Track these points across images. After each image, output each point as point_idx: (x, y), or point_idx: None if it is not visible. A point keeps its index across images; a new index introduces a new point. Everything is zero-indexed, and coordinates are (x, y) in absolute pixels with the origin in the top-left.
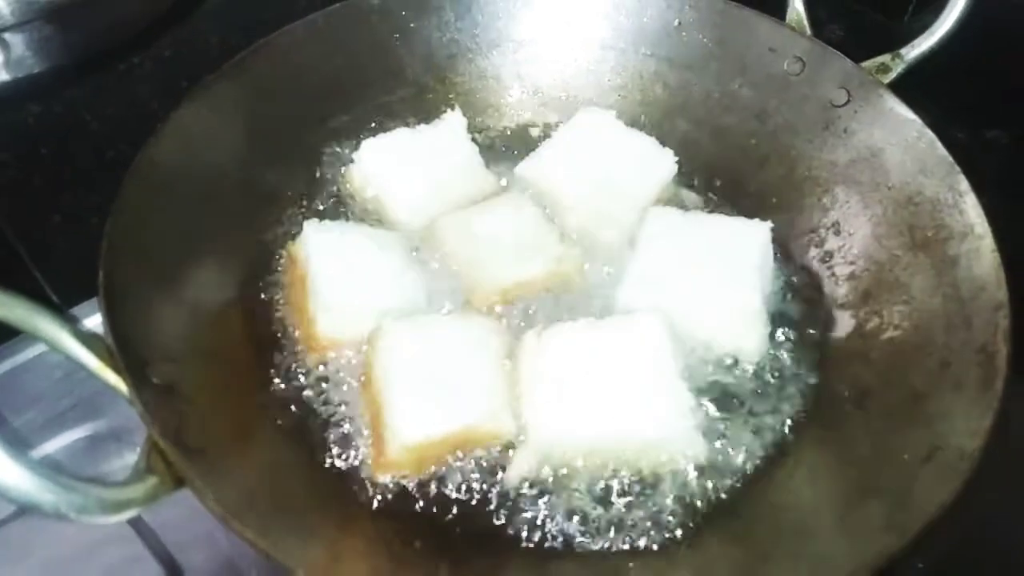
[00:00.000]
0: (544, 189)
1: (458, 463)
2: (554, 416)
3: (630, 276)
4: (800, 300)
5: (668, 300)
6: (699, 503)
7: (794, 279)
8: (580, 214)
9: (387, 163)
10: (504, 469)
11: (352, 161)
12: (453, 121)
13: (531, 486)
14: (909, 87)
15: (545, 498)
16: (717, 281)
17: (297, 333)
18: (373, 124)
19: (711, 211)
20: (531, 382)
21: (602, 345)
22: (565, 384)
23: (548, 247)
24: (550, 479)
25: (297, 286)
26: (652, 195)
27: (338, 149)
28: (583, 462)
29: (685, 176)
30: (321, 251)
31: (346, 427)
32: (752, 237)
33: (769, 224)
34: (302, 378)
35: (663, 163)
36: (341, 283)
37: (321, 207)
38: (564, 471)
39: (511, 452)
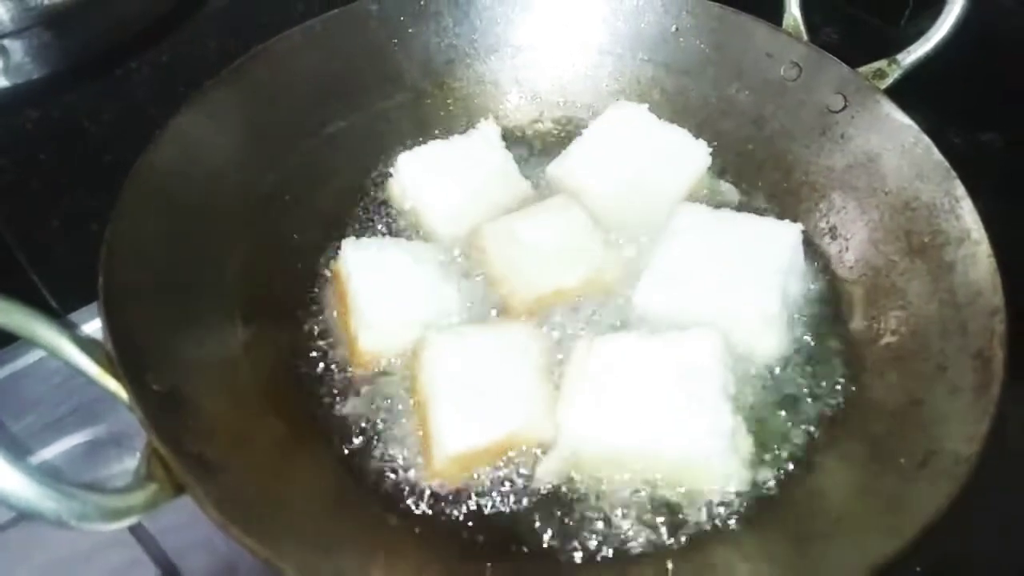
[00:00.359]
0: (577, 187)
1: (493, 471)
2: (587, 422)
3: (649, 274)
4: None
5: (686, 300)
6: (701, 510)
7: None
8: (614, 210)
9: (423, 174)
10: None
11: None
12: (487, 130)
13: (562, 492)
14: (904, 91)
15: (573, 505)
16: (737, 281)
17: (315, 348)
18: (371, 130)
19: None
20: (572, 388)
21: (651, 358)
22: (604, 392)
23: (590, 254)
24: (581, 486)
25: (341, 303)
26: (687, 187)
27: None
28: (613, 471)
29: None
30: (360, 268)
31: (355, 434)
32: (780, 238)
33: (800, 226)
34: (309, 385)
35: (697, 155)
36: (381, 299)
37: (325, 212)
38: (594, 478)
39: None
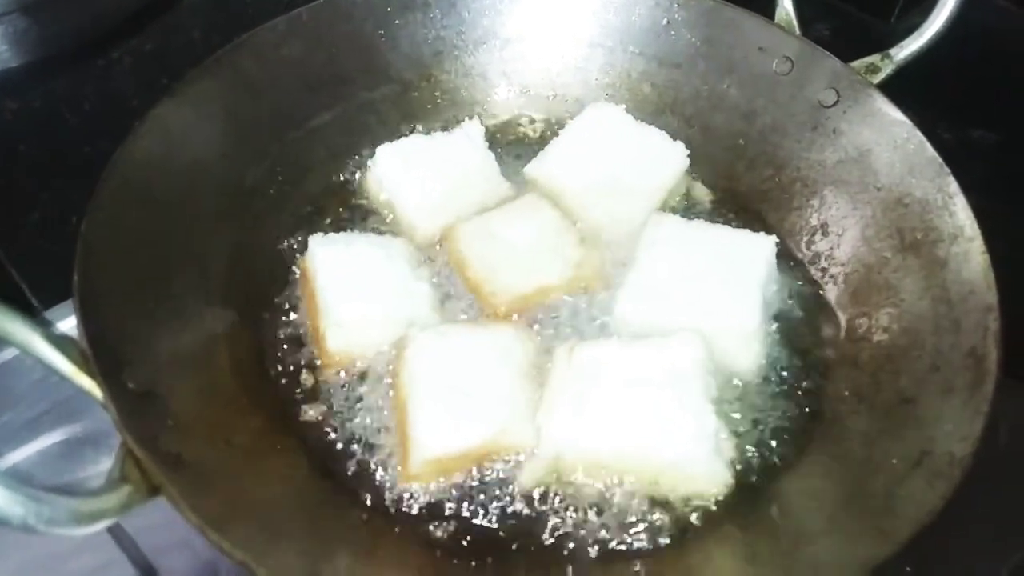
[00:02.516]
0: (554, 188)
1: (473, 474)
2: (568, 427)
3: (627, 287)
4: (787, 302)
5: (665, 313)
6: (689, 509)
7: (782, 281)
8: (592, 212)
9: (401, 168)
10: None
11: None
12: (470, 128)
13: (543, 495)
14: (895, 87)
15: (555, 507)
16: (716, 297)
17: (295, 346)
18: (357, 122)
19: (714, 207)
20: (554, 393)
21: (633, 363)
22: (585, 397)
23: (567, 252)
24: (563, 489)
25: (309, 301)
26: (664, 189)
27: (322, 150)
28: (595, 475)
29: None
30: (327, 266)
31: (333, 434)
32: (755, 252)
33: (774, 238)
34: (287, 384)
35: (674, 156)
36: (349, 297)
37: (307, 207)
38: (576, 481)
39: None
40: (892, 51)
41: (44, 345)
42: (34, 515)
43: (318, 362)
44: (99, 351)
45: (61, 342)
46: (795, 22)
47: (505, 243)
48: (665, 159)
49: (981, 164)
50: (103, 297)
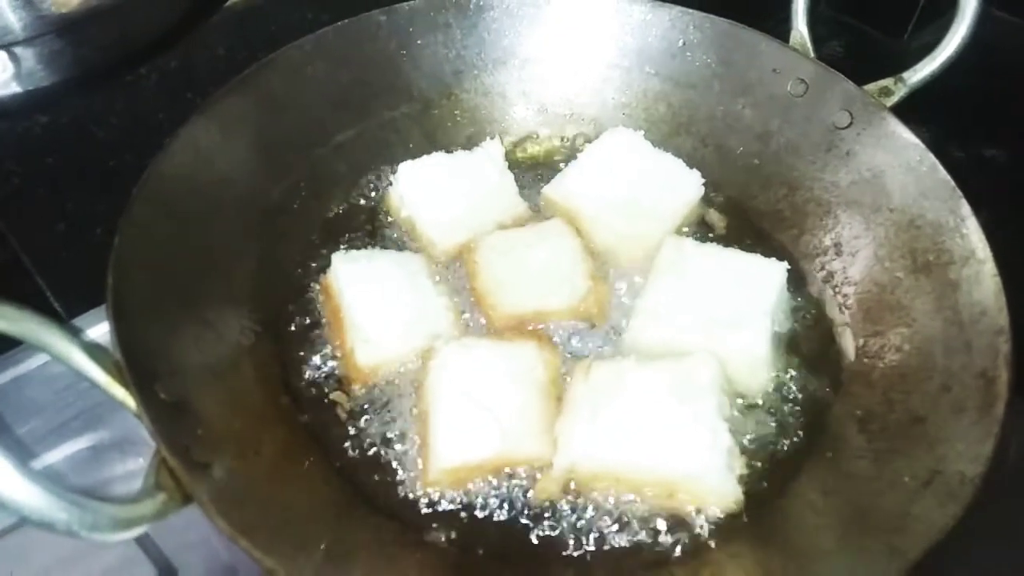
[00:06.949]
0: (571, 209)
1: (492, 482)
2: (584, 440)
3: (639, 308)
4: (800, 321)
5: (676, 336)
6: (700, 523)
7: (795, 300)
8: (607, 234)
9: (422, 185)
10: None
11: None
12: (491, 148)
13: (557, 505)
14: (907, 105)
15: (568, 518)
16: (726, 322)
17: (318, 358)
18: (379, 139)
19: (728, 228)
20: (571, 408)
21: (649, 379)
22: (602, 411)
23: (576, 282)
24: (577, 500)
25: (333, 317)
26: (679, 215)
27: (345, 166)
28: (609, 486)
29: None
30: (352, 283)
31: (360, 442)
32: (767, 277)
33: (785, 264)
34: (311, 395)
35: (690, 184)
36: (376, 314)
37: (330, 222)
38: (590, 493)
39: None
40: (905, 75)
41: (81, 356)
42: (77, 521)
43: (342, 374)
44: (133, 362)
45: (96, 353)
46: (810, 45)
47: (520, 261)
48: (681, 186)
49: (993, 182)
50: (135, 310)
